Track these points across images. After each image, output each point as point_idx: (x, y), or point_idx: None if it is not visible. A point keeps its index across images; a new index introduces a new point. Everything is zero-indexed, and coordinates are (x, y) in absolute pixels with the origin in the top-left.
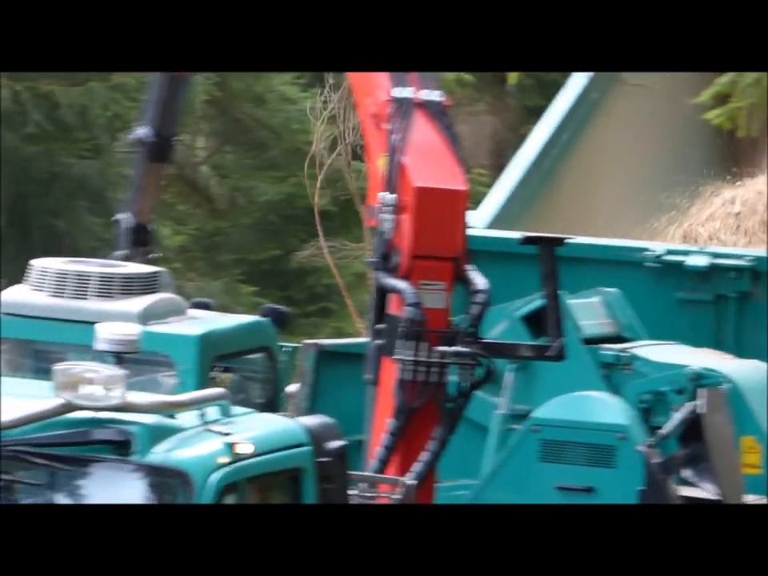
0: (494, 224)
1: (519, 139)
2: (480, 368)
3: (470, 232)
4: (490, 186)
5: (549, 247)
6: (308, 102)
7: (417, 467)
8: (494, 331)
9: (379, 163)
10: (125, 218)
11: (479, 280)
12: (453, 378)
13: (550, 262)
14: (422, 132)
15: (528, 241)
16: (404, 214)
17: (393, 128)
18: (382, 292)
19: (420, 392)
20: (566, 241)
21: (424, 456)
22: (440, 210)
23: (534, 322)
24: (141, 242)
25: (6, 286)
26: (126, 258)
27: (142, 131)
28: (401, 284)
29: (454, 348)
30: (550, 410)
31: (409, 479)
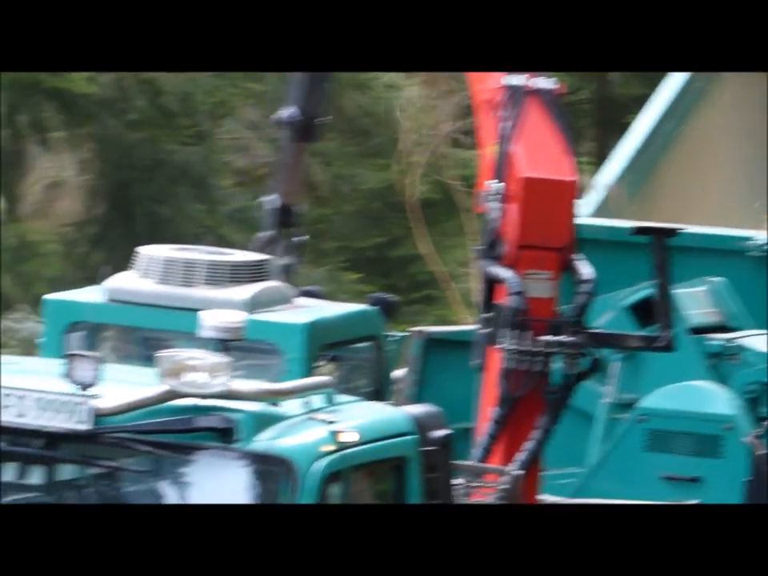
0: (598, 213)
1: (623, 129)
2: (585, 358)
3: (577, 221)
4: (594, 175)
5: (661, 238)
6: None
7: (520, 456)
8: (600, 321)
9: (489, 150)
10: (270, 199)
11: (585, 269)
12: (559, 367)
13: (661, 253)
14: (533, 120)
15: (640, 231)
16: (511, 203)
17: (503, 115)
18: (490, 281)
19: (523, 381)
20: (679, 231)
21: (528, 445)
22: (547, 200)
23: (641, 311)
24: (286, 224)
25: (110, 273)
26: (271, 240)
27: (287, 111)
28: (505, 273)
29: (557, 337)
30: (657, 399)
31: (513, 469)
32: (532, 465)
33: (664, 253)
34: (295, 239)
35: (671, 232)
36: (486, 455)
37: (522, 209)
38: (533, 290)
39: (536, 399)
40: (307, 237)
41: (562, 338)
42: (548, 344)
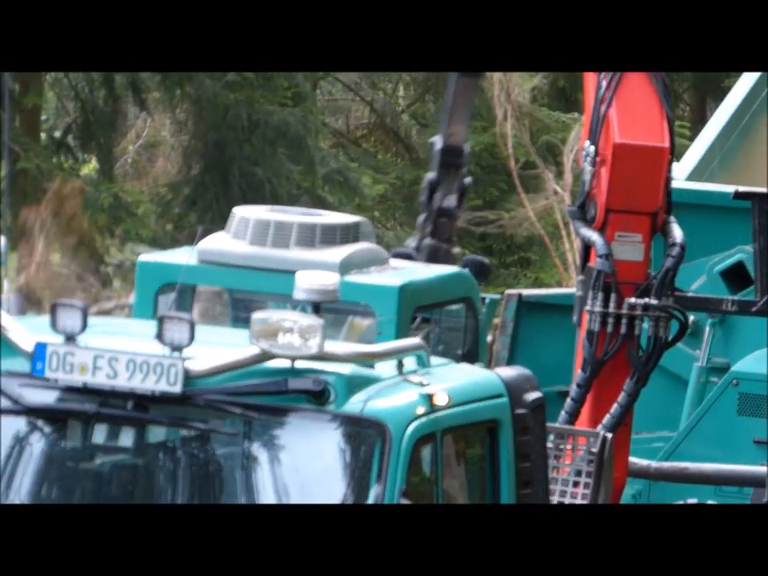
0: (693, 177)
1: (721, 93)
2: (674, 321)
3: (671, 185)
4: (691, 139)
5: (762, 202)
6: None
7: (606, 420)
8: (693, 286)
9: (590, 111)
10: (436, 139)
11: (677, 233)
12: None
13: (761, 217)
14: (633, 84)
15: (741, 195)
16: (603, 167)
17: (602, 78)
18: (585, 243)
19: (609, 344)
20: None
21: (613, 409)
22: (639, 166)
23: (732, 276)
24: (453, 165)
25: (205, 234)
26: (436, 183)
27: None
28: (594, 235)
29: (643, 300)
30: (750, 363)
31: (601, 431)
32: (620, 428)
33: (764, 217)
34: (463, 181)
35: None
36: (570, 419)
37: (612, 174)
38: (622, 252)
39: (622, 362)
40: (470, 179)
41: (647, 300)
42: (633, 306)
